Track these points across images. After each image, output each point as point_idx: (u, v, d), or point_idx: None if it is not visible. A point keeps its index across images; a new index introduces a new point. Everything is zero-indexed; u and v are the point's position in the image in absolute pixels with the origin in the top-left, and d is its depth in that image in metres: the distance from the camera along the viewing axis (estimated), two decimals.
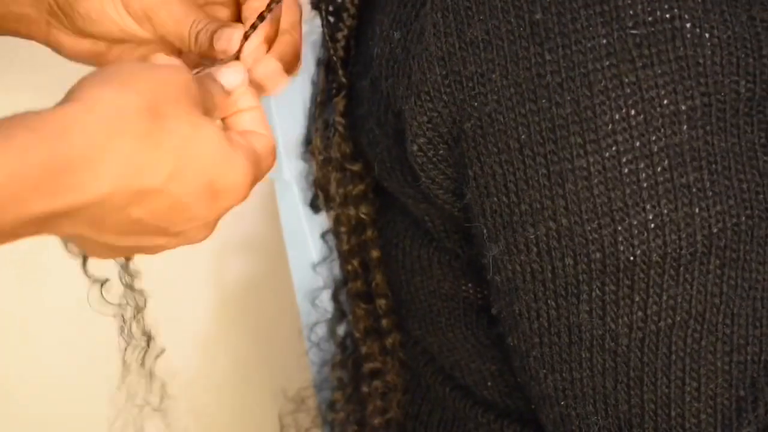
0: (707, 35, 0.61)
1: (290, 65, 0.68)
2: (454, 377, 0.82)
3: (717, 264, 0.63)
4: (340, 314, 0.96)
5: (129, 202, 0.54)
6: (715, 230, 0.62)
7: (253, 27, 0.66)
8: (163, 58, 0.62)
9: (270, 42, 0.67)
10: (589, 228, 0.62)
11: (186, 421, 1.20)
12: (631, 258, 0.62)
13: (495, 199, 0.65)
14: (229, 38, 0.65)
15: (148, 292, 0.76)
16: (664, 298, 0.63)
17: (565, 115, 0.61)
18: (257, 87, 0.66)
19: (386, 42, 0.70)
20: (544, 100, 0.61)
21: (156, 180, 0.54)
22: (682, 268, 0.63)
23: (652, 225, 0.62)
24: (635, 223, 0.62)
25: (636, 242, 0.62)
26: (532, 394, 0.70)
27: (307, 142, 0.94)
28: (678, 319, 0.63)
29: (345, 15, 0.76)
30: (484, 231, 0.67)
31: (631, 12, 0.60)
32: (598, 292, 0.63)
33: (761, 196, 0.63)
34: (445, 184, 0.70)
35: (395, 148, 0.72)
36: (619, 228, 0.62)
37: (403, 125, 0.69)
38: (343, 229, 0.83)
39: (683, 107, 0.61)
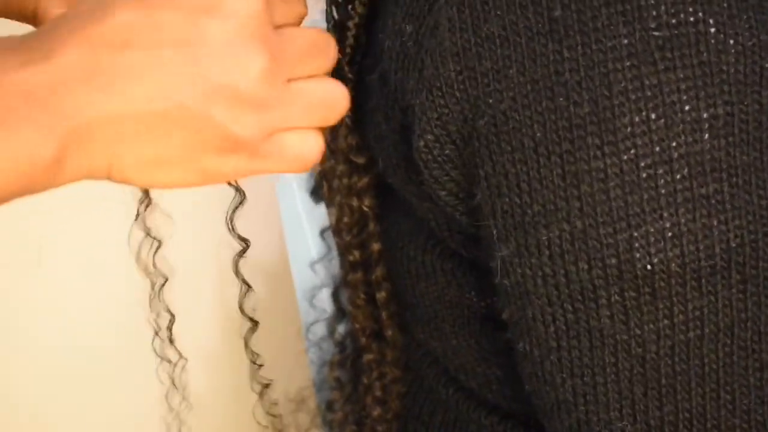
0: (731, 42, 0.59)
1: None
2: (458, 379, 0.81)
3: (738, 279, 0.61)
4: (339, 314, 0.95)
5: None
6: (733, 245, 0.61)
7: None
8: None
9: None
10: (603, 232, 0.61)
11: (186, 420, 1.19)
12: (648, 267, 0.61)
13: (507, 199, 0.64)
14: None
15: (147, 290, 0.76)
16: (690, 308, 0.61)
17: (582, 114, 0.60)
18: None
19: (397, 35, 0.69)
20: (561, 99, 0.60)
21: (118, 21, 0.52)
22: (704, 280, 0.61)
23: (669, 234, 0.60)
24: (652, 230, 0.60)
25: (653, 250, 0.60)
26: (545, 401, 0.68)
27: None
28: (707, 330, 0.62)
29: (356, 3, 0.74)
30: (494, 232, 0.65)
31: (654, 13, 0.59)
32: (617, 297, 0.62)
33: None
34: (448, 186, 0.69)
35: (401, 144, 0.71)
36: (635, 234, 0.60)
37: (409, 121, 0.68)
38: (346, 221, 0.83)
39: (705, 115, 0.59)
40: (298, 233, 1.00)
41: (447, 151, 0.66)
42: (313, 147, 0.57)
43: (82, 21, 0.52)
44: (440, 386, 0.82)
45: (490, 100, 0.62)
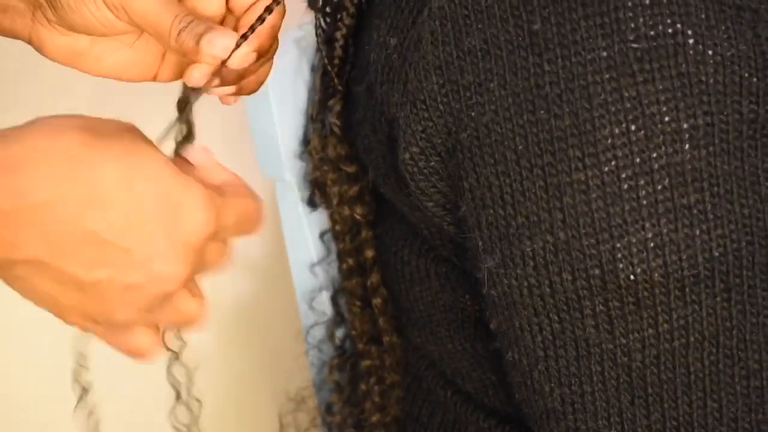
0: (710, 52, 0.59)
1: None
2: (455, 383, 0.81)
3: (722, 287, 0.62)
4: (339, 317, 0.95)
5: (78, 209, 0.54)
6: (716, 254, 0.61)
7: (244, 37, 0.64)
8: None
9: (258, 51, 0.66)
10: (586, 243, 0.61)
11: (183, 420, 1.19)
12: (632, 277, 0.61)
13: (491, 211, 0.64)
14: (224, 47, 0.63)
15: None
16: (674, 317, 0.62)
17: (563, 127, 0.60)
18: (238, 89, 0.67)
19: (382, 48, 0.69)
20: (542, 111, 0.60)
21: (101, 184, 0.54)
22: (687, 290, 0.61)
23: (652, 244, 0.61)
24: (634, 241, 0.61)
25: (635, 261, 0.61)
26: (534, 409, 0.69)
27: (306, 142, 0.93)
28: (692, 339, 0.62)
29: (344, 14, 0.75)
30: (480, 243, 0.66)
31: (632, 25, 0.59)
32: (602, 307, 0.62)
33: (761, 222, 0.62)
34: (435, 197, 0.69)
35: (389, 155, 0.72)
36: (618, 245, 0.61)
37: (395, 133, 0.69)
38: (338, 228, 0.83)
39: (685, 125, 0.60)
40: (298, 235, 1.00)
41: (432, 164, 0.67)
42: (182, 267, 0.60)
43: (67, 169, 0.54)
44: (438, 388, 0.83)
45: (473, 113, 0.63)
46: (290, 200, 0.98)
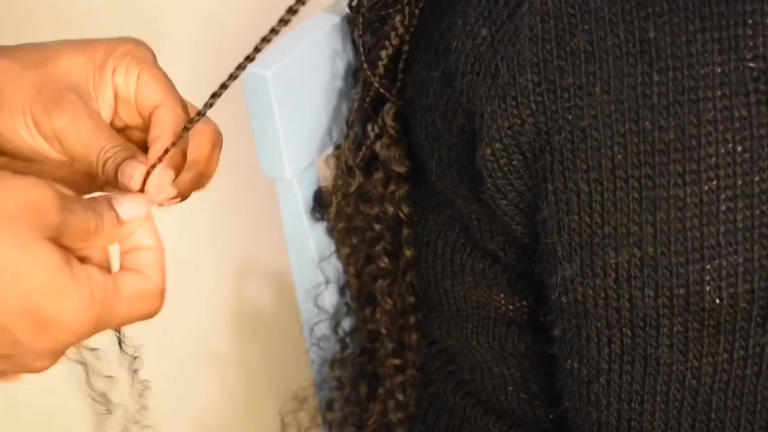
0: None
1: (187, 196, 0.66)
2: (467, 381, 0.80)
3: None
4: (345, 308, 0.94)
5: None
6: None
7: (153, 166, 0.62)
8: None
9: (178, 170, 0.63)
10: (675, 261, 0.60)
11: (187, 419, 1.18)
12: (717, 300, 0.60)
13: (576, 217, 0.63)
14: (131, 175, 0.61)
15: None
16: (751, 344, 0.61)
17: (667, 140, 0.59)
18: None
19: (469, 37, 0.67)
20: (647, 122, 0.59)
21: None
22: None
23: (742, 269, 0.60)
24: (725, 264, 0.60)
25: (724, 284, 0.60)
26: (585, 420, 0.67)
27: (336, 146, 0.92)
28: (764, 368, 0.62)
29: (392, 34, 0.74)
30: (558, 249, 0.64)
31: (751, 44, 0.58)
32: (680, 328, 0.61)
33: None
34: (510, 196, 0.67)
35: (457, 146, 0.70)
36: (708, 267, 0.60)
37: (475, 126, 0.67)
38: (377, 227, 0.82)
39: None
40: (299, 234, 0.98)
41: (514, 162, 0.65)
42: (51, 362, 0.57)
43: None
44: (447, 391, 0.82)
45: (569, 116, 0.61)
46: (291, 199, 0.97)
